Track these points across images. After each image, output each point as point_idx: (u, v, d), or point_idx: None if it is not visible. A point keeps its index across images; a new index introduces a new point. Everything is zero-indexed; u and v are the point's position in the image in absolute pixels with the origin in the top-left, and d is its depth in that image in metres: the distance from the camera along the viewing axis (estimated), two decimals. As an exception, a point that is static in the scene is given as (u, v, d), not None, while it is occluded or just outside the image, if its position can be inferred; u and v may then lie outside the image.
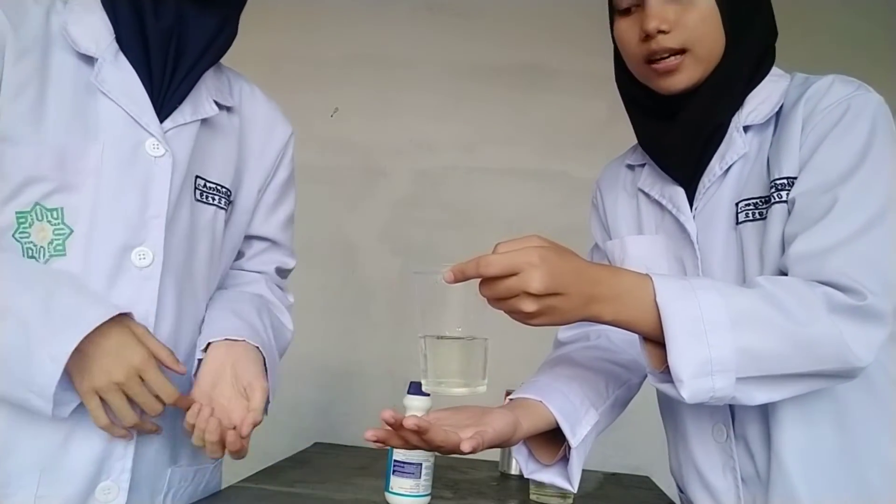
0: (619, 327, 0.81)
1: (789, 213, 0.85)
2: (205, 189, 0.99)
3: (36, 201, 0.86)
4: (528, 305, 0.74)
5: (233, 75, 1.11)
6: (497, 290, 0.74)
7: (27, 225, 0.86)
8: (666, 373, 0.79)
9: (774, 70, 0.95)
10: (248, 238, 1.13)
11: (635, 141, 1.11)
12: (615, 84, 1.07)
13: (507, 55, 2.33)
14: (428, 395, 1.07)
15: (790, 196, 0.85)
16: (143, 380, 0.85)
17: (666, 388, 0.81)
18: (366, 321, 2.28)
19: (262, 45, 2.13)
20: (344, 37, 2.36)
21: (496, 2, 2.37)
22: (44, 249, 0.87)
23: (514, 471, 1.39)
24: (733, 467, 0.92)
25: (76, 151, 0.87)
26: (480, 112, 2.31)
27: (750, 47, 0.92)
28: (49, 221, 0.87)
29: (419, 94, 2.33)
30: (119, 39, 0.92)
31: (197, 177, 0.98)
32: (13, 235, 0.86)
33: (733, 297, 0.78)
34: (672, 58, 0.89)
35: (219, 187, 1.01)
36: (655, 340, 0.80)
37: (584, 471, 0.94)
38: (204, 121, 0.98)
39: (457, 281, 0.75)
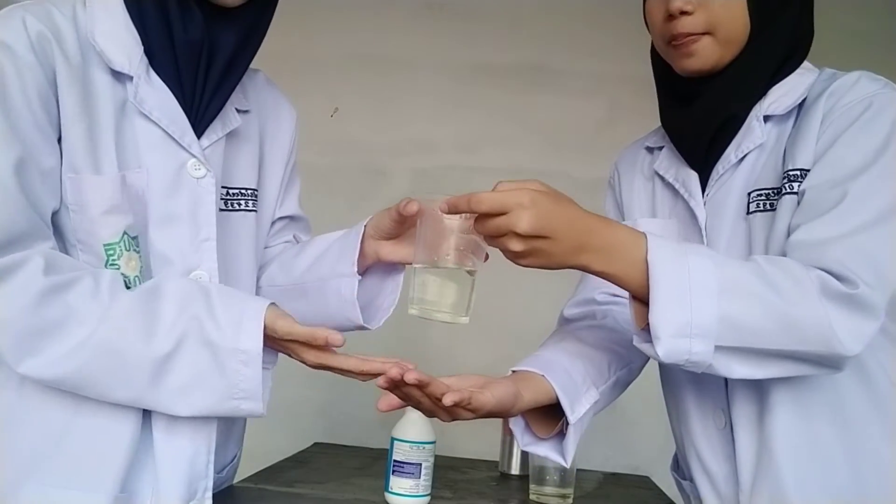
0: (607, 280, 0.81)
1: (798, 204, 0.85)
2: (228, 197, 0.97)
3: (124, 230, 0.84)
4: (515, 245, 0.75)
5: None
6: (487, 226, 0.76)
7: (116, 256, 0.84)
8: (647, 331, 0.79)
9: (805, 64, 0.94)
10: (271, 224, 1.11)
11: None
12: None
13: (507, 55, 2.33)
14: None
15: (801, 188, 0.85)
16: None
17: (645, 347, 0.81)
18: (366, 321, 2.28)
19: (262, 44, 2.12)
20: (344, 37, 2.36)
21: (496, 2, 2.36)
22: (138, 279, 0.85)
23: (514, 471, 1.39)
24: (731, 455, 0.92)
25: (130, 179, 0.85)
26: (480, 112, 2.31)
27: (775, 38, 0.91)
28: (136, 250, 0.85)
29: (419, 94, 2.33)
30: (149, 53, 0.87)
31: (221, 187, 0.95)
32: (105, 267, 0.83)
33: (725, 266, 0.78)
34: (694, 38, 0.89)
35: (244, 191, 1.00)
36: (642, 299, 0.80)
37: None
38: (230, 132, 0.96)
39: (450, 213, 0.78)
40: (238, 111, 0.99)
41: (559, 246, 0.77)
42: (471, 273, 0.85)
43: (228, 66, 0.91)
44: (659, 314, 0.76)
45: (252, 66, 0.99)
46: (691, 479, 1.02)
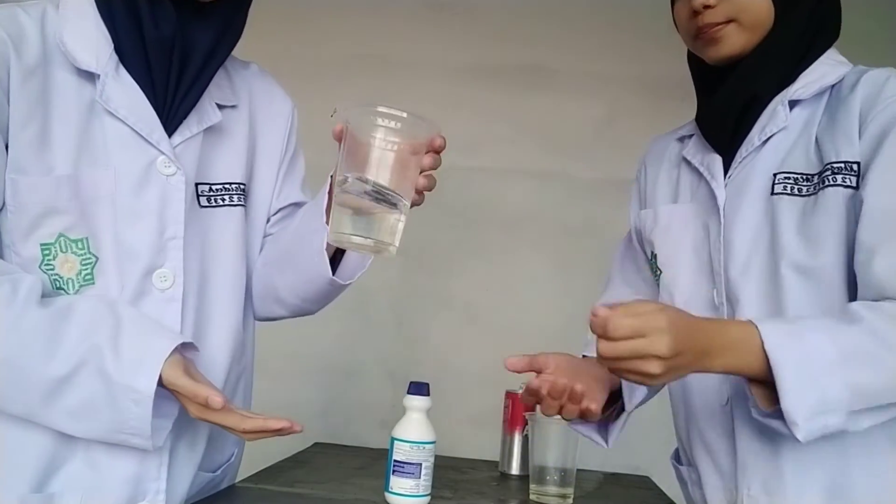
0: (730, 374, 0.84)
1: (854, 207, 0.85)
2: (210, 193, 0.97)
3: (60, 232, 0.85)
4: (656, 368, 0.75)
5: (231, 65, 1.06)
6: (619, 349, 0.75)
7: (52, 257, 0.85)
8: (776, 412, 0.80)
9: (837, 57, 0.95)
10: (271, 216, 1.10)
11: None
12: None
13: (507, 55, 2.33)
14: (427, 395, 1.07)
15: (861, 194, 0.84)
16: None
17: (774, 424, 0.82)
18: (366, 321, 2.28)
19: (262, 45, 2.11)
20: (344, 37, 2.36)
21: (496, 2, 2.36)
22: (72, 281, 0.86)
23: (514, 471, 1.39)
24: (731, 431, 0.95)
25: (89, 179, 0.85)
26: (480, 112, 2.31)
27: (798, 21, 0.92)
28: (74, 253, 0.86)
29: (419, 94, 2.33)
30: (119, 51, 0.88)
31: (198, 184, 0.95)
32: (39, 267, 0.85)
33: (840, 335, 0.79)
34: (718, 27, 0.92)
35: (227, 186, 0.99)
36: (762, 380, 0.81)
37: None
38: (207, 128, 0.95)
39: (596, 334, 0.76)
40: (221, 106, 0.98)
41: (687, 358, 0.78)
42: (402, 203, 0.80)
43: (204, 62, 0.91)
44: (790, 400, 0.77)
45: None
46: (689, 463, 1.04)
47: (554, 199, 2.25)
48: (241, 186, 1.01)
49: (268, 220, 1.09)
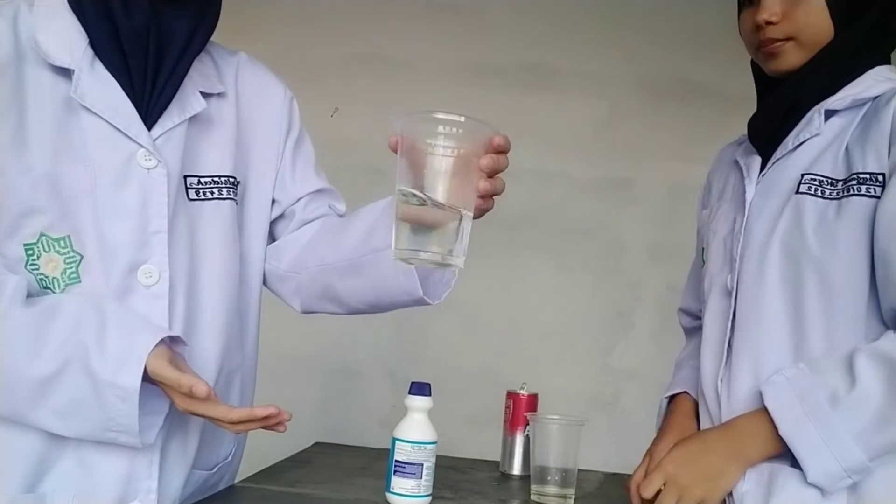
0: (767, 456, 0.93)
1: (877, 217, 0.89)
2: (199, 186, 0.94)
3: (41, 232, 0.84)
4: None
5: (217, 53, 1.03)
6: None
7: (35, 257, 0.84)
8: None
9: (888, 73, 0.98)
10: (291, 206, 1.08)
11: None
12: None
13: (507, 55, 2.33)
14: (429, 395, 1.07)
15: (883, 205, 0.88)
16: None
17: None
18: (366, 321, 2.27)
19: (263, 45, 2.12)
20: (344, 37, 2.36)
21: (496, 2, 2.37)
22: (57, 280, 0.85)
23: (515, 471, 1.39)
24: (722, 379, 1.00)
25: (68, 177, 0.84)
26: (480, 112, 2.30)
27: (848, 39, 0.96)
28: (57, 251, 0.85)
29: (419, 94, 2.33)
30: (93, 45, 0.86)
31: (186, 177, 0.93)
32: (25, 267, 0.84)
33: (847, 407, 0.86)
34: (778, 44, 0.98)
35: (216, 179, 0.96)
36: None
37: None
38: (192, 117, 0.93)
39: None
40: (207, 95, 0.95)
41: (714, 469, 0.93)
42: (464, 213, 0.76)
43: (181, 51, 0.90)
44: (816, 476, 0.87)
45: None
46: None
47: (554, 199, 2.25)
48: (231, 179, 0.98)
49: (281, 214, 1.08)
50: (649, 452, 1.07)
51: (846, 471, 0.86)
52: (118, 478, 0.87)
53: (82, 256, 0.86)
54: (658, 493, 0.95)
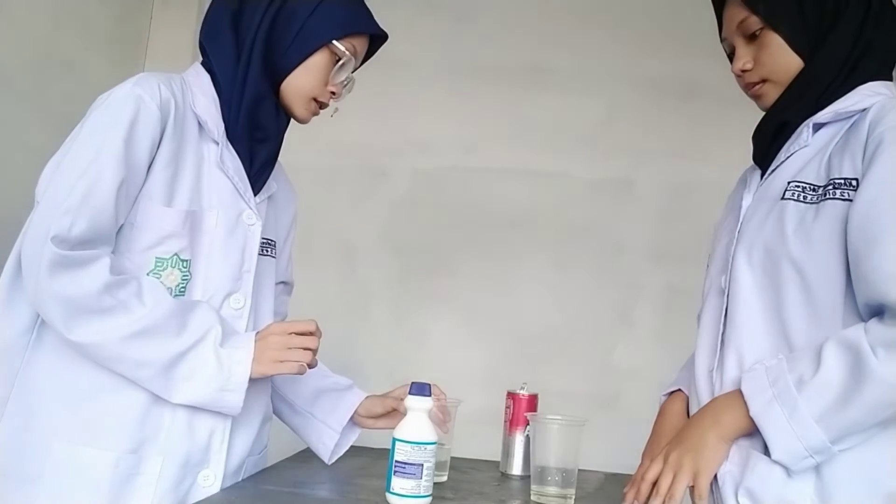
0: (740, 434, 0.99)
1: (849, 218, 0.94)
2: (264, 244, 1.22)
3: (175, 252, 1.08)
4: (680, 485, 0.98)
5: None
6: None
7: (162, 268, 1.08)
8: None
9: (879, 88, 1.02)
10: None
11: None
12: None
13: (507, 55, 2.33)
14: (430, 395, 1.07)
15: (854, 207, 0.93)
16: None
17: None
18: (366, 321, 2.28)
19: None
20: (344, 37, 2.35)
21: (496, 2, 2.37)
22: (171, 290, 1.07)
23: (515, 471, 1.40)
24: (715, 372, 1.05)
25: (201, 216, 1.11)
26: (480, 112, 2.31)
27: (822, 61, 1.04)
28: (179, 269, 1.09)
29: (419, 94, 2.33)
30: (229, 131, 1.16)
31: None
32: (147, 274, 1.06)
33: (808, 389, 0.91)
34: (757, 86, 1.10)
35: (270, 241, 1.25)
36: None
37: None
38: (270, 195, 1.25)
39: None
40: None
41: (696, 440, 1.00)
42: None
43: (277, 149, 1.23)
44: (780, 454, 0.92)
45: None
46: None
47: (554, 199, 2.25)
48: (275, 244, 1.28)
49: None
50: (644, 456, 1.13)
51: (807, 450, 0.90)
52: (200, 447, 1.08)
53: (192, 277, 1.10)
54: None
